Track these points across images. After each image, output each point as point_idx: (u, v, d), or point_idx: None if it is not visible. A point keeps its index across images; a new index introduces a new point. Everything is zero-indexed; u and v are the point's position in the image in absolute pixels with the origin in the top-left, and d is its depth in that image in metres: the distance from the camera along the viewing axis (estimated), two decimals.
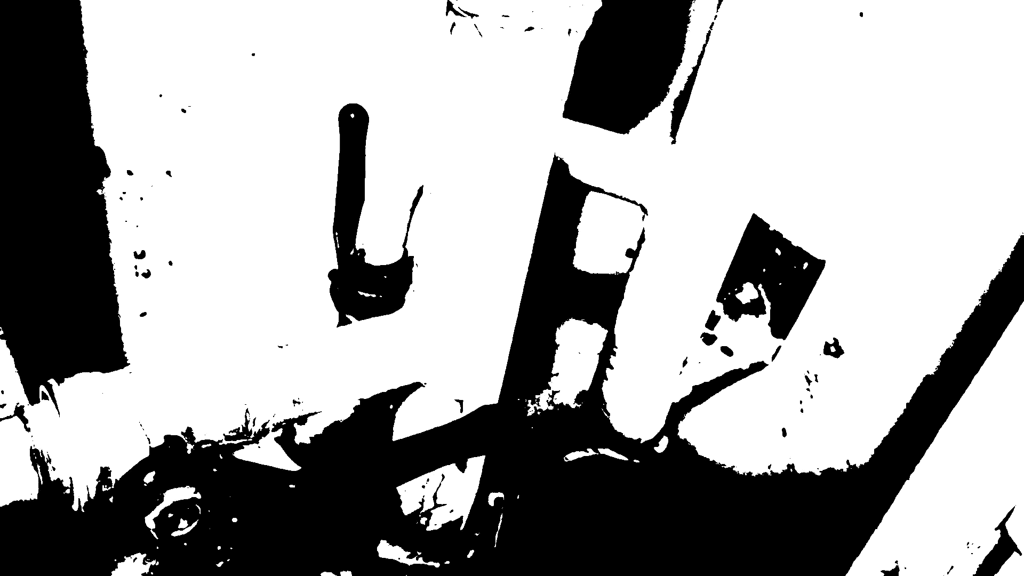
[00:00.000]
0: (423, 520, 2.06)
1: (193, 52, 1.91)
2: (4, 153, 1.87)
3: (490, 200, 1.79)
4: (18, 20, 1.72)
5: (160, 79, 1.93)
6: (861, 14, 1.91)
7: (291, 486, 1.55)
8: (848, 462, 2.24)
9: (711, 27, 2.11)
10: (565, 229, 2.55)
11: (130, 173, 2.06)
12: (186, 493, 1.39)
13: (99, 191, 2.05)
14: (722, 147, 2.02)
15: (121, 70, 1.89)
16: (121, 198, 2.09)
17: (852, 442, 2.23)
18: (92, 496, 1.36)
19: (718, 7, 2.02)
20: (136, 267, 2.22)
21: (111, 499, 1.37)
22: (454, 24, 1.51)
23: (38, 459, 1.35)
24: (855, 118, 1.98)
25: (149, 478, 1.37)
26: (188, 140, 2.05)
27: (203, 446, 1.46)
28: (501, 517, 2.17)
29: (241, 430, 1.54)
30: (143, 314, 2.31)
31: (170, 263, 2.25)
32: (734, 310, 2.49)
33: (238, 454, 1.59)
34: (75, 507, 1.36)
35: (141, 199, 2.11)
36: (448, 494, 2.10)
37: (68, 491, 1.37)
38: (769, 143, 2.06)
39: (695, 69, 2.20)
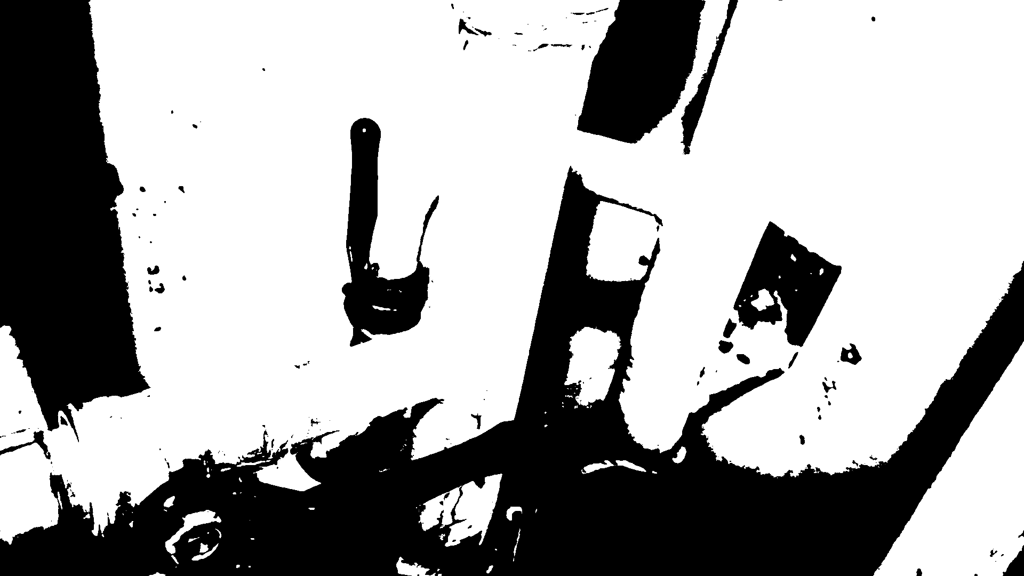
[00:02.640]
0: (441, 536, 2.06)
1: (204, 68, 1.91)
2: (18, 172, 1.87)
3: (505, 214, 1.78)
4: (29, 39, 1.72)
5: (171, 95, 1.93)
6: (873, 18, 1.89)
7: (310, 508, 1.54)
8: (868, 470, 2.22)
9: (722, 35, 2.10)
10: (580, 239, 2.54)
11: (143, 189, 2.06)
12: (206, 517, 1.39)
13: (112, 208, 2.05)
14: (736, 155, 2.01)
15: (133, 87, 1.89)
16: (134, 214, 2.09)
17: (871, 449, 2.21)
18: (112, 521, 1.36)
19: (729, 15, 2.01)
20: (150, 282, 2.22)
21: (131, 524, 1.37)
22: (467, 42, 1.50)
23: (58, 485, 1.35)
24: (870, 122, 1.97)
25: (169, 503, 1.36)
26: (200, 156, 2.05)
27: (222, 469, 1.45)
28: (520, 532, 2.16)
29: (259, 452, 1.53)
30: (157, 329, 2.31)
31: (183, 278, 2.25)
32: (750, 317, 2.47)
33: (257, 475, 1.59)
34: (95, 532, 1.36)
35: (154, 215, 2.11)
36: (466, 510, 2.09)
37: (88, 516, 1.37)
38: (783, 149, 2.05)
39: (707, 77, 2.19)
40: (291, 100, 2.02)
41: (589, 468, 2.20)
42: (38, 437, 1.38)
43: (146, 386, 2.34)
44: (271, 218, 2.21)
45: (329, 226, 2.22)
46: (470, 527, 2.13)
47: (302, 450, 1.96)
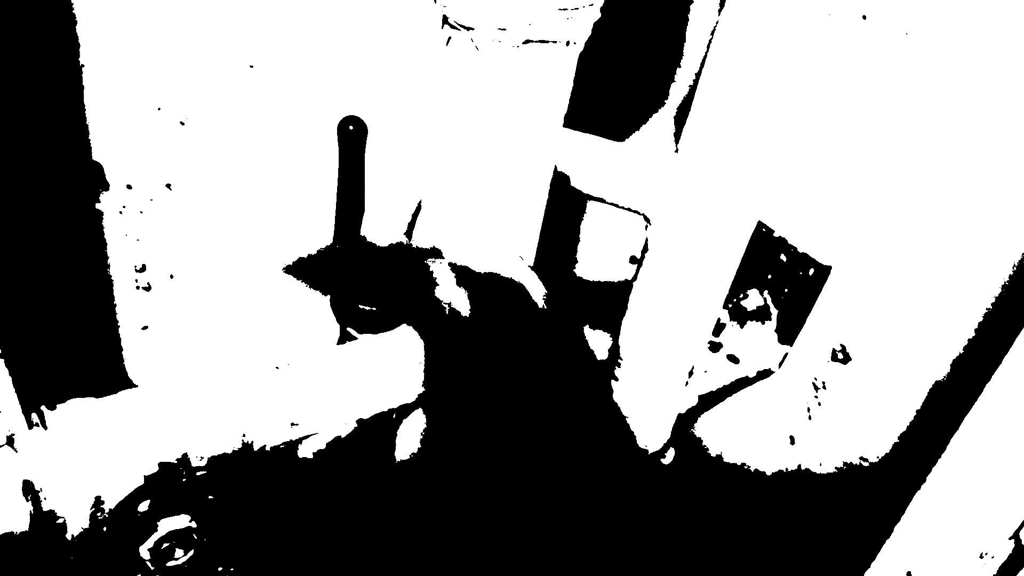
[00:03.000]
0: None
1: (191, 65, 1.90)
2: (3, 170, 1.86)
3: (490, 212, 1.76)
4: (12, 35, 1.71)
5: (158, 92, 1.92)
6: (864, 16, 1.88)
7: (290, 511, 1.52)
8: (858, 471, 2.21)
9: (712, 32, 2.08)
10: (568, 238, 2.53)
11: (129, 187, 2.04)
12: (181, 522, 1.37)
13: (97, 205, 2.04)
14: (726, 154, 1.99)
15: (119, 84, 1.87)
16: (121, 212, 2.08)
17: (862, 450, 2.20)
18: (85, 526, 1.34)
19: (719, 12, 1.99)
20: (137, 281, 2.21)
21: (105, 529, 1.35)
22: (450, 38, 1.48)
23: (29, 489, 1.33)
24: (860, 122, 1.95)
25: (143, 507, 1.34)
26: (187, 153, 2.04)
27: (199, 473, 1.43)
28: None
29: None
30: (144, 327, 2.30)
31: (171, 276, 2.24)
32: (740, 317, 2.46)
33: (235, 478, 1.57)
34: (68, 538, 1.34)
35: (141, 213, 2.10)
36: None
37: (61, 521, 1.35)
38: (773, 148, 2.04)
39: (697, 76, 2.17)
40: (278, 97, 2.01)
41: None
42: (9, 440, 1.36)
43: (132, 386, 2.33)
44: (259, 216, 2.20)
45: (316, 224, 2.21)
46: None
47: (286, 452, 1.94)
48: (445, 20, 1.48)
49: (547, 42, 1.48)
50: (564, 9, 1.43)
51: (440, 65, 1.57)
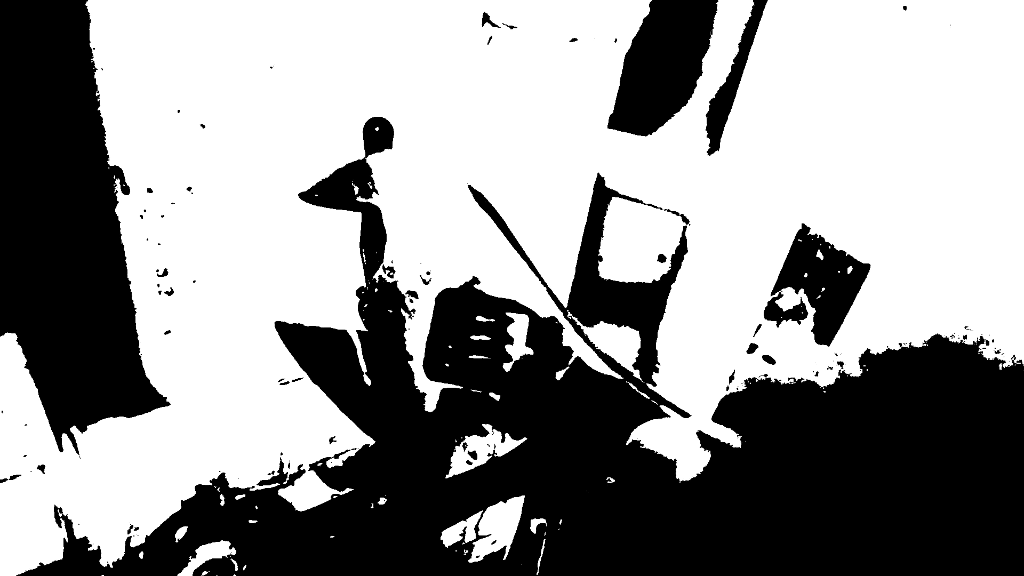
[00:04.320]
0: (464, 552, 2.01)
1: (210, 66, 1.86)
2: (21, 178, 1.82)
3: (531, 214, 1.72)
4: (24, 38, 1.66)
5: (178, 95, 1.88)
6: (905, 7, 1.84)
7: (331, 536, 1.48)
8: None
9: (748, 26, 2.04)
10: (602, 238, 2.49)
11: (150, 191, 2.01)
12: (221, 549, 1.32)
13: (117, 210, 2.01)
14: (770, 154, 1.95)
15: (138, 87, 1.84)
16: (142, 216, 2.05)
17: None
18: (120, 554, 1.29)
19: (758, 11, 1.95)
20: (159, 285, 2.18)
21: (141, 557, 1.30)
22: (491, 37, 1.43)
23: (62, 516, 1.29)
24: (900, 115, 1.92)
25: (181, 534, 1.29)
26: (208, 156, 2.00)
27: (237, 496, 1.38)
28: (544, 544, 2.11)
29: (276, 474, 1.46)
30: (167, 332, 2.27)
31: (193, 281, 2.21)
32: (775, 316, 2.43)
33: (274, 498, 1.53)
34: (102, 565, 1.29)
35: (162, 217, 2.07)
36: (490, 524, 2.04)
37: (94, 549, 1.30)
38: (815, 146, 2.00)
39: (737, 73, 2.13)
40: (301, 98, 1.97)
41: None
42: (41, 465, 1.31)
43: (158, 401, 2.30)
44: (282, 220, 2.17)
45: (343, 228, 2.18)
46: (494, 542, 2.08)
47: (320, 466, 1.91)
48: (486, 18, 1.42)
49: (594, 40, 1.42)
50: (611, 5, 1.38)
51: (480, 65, 1.51)
